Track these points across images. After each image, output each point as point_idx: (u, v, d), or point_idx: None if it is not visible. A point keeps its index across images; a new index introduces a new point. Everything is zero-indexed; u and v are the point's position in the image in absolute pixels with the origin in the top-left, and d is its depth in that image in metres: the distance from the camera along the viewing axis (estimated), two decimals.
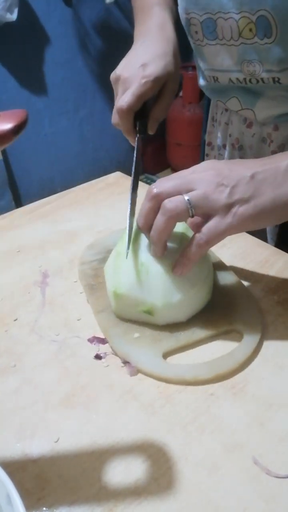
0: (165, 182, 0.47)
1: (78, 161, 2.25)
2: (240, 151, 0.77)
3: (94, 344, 0.52)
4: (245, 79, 0.64)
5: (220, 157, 0.84)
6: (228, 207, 0.45)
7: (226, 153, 0.80)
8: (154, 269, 0.50)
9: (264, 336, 0.52)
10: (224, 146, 0.82)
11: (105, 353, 0.51)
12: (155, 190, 0.47)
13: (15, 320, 0.56)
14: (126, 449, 0.41)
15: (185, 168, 0.49)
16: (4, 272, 0.64)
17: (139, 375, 0.48)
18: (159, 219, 0.47)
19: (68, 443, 0.42)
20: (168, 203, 0.46)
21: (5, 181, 1.96)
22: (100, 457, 0.41)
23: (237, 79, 0.66)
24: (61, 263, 0.65)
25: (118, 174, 0.89)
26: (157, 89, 0.60)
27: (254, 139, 0.73)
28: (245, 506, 0.37)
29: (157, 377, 0.47)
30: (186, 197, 0.45)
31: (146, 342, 0.50)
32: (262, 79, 0.62)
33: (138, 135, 0.61)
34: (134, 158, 0.58)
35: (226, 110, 0.78)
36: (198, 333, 0.51)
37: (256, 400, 0.45)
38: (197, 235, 0.47)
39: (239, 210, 0.45)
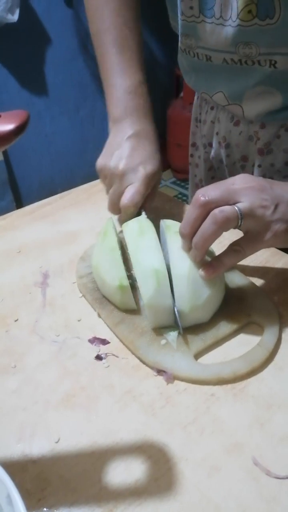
0: (211, 191, 0.48)
1: (78, 161, 2.25)
2: (227, 149, 0.77)
3: (95, 344, 0.52)
4: (240, 60, 0.62)
5: (206, 155, 0.83)
6: (270, 224, 0.48)
7: (213, 151, 0.80)
8: (175, 274, 0.50)
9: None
10: (210, 144, 0.81)
11: (105, 353, 0.51)
12: (202, 198, 0.47)
13: (15, 321, 0.56)
14: (126, 450, 0.41)
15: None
16: (5, 273, 0.64)
17: (138, 375, 0.48)
18: (209, 227, 0.47)
19: (69, 444, 0.42)
20: (220, 213, 0.47)
21: (5, 181, 1.96)
22: (100, 457, 0.41)
23: (232, 59, 0.63)
24: (61, 263, 0.65)
25: None
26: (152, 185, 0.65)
27: (241, 137, 0.73)
28: (245, 507, 0.37)
29: (194, 380, 0.47)
30: (236, 208, 0.47)
31: (174, 348, 0.50)
32: (258, 61, 0.60)
33: (143, 212, 0.63)
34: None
35: (212, 108, 0.78)
36: (222, 329, 0.52)
37: (256, 401, 0.45)
38: (236, 244, 0.50)
39: (279, 229, 0.48)
